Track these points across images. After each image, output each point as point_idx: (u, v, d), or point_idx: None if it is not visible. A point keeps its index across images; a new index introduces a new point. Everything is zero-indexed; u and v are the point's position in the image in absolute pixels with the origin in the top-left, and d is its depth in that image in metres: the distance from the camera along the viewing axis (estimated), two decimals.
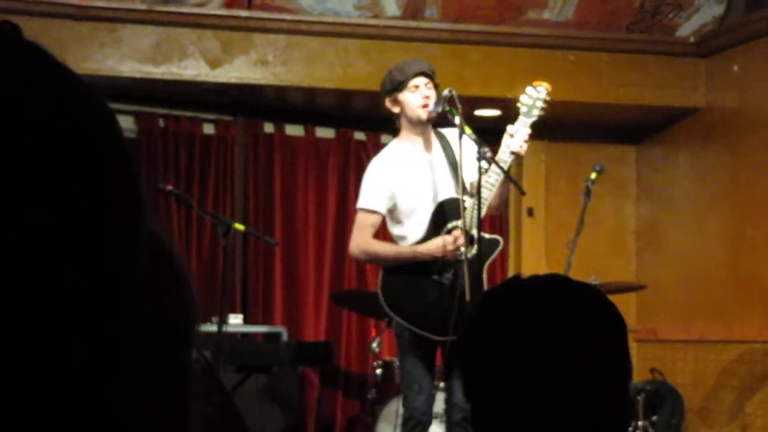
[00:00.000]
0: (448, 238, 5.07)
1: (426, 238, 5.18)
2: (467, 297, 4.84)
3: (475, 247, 5.05)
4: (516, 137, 5.06)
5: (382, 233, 5.45)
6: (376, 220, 5.30)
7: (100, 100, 0.70)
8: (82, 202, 0.66)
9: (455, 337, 4.90)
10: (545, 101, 5.16)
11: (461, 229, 5.02)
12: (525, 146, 5.09)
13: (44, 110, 0.67)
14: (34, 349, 0.64)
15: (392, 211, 5.28)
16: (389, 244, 5.33)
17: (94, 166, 0.68)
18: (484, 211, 5.02)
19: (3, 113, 0.65)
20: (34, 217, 0.64)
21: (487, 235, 5.18)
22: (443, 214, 5.17)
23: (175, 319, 0.73)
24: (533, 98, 5.15)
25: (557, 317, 1.76)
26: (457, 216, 5.08)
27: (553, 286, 1.81)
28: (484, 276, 5.14)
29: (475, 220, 4.98)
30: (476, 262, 5.03)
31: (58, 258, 0.65)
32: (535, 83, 5.22)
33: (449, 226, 5.16)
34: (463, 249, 5.01)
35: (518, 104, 5.16)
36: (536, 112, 5.13)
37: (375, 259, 5.42)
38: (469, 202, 5.02)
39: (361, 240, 5.28)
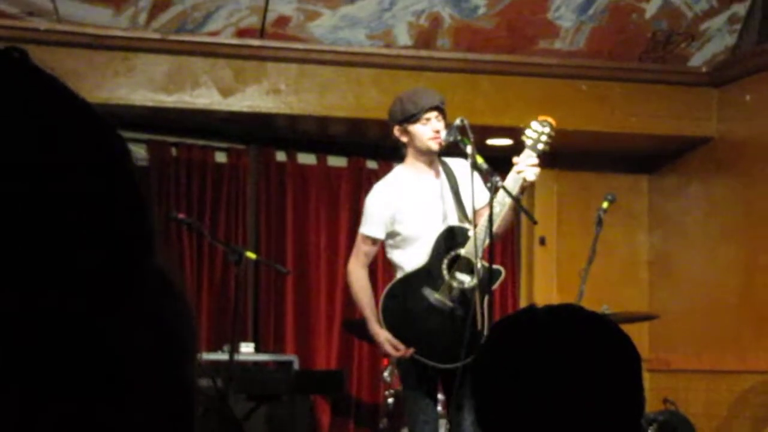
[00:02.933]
0: (399, 348, 5.10)
1: (428, 265, 5.15)
2: (478, 326, 4.84)
3: (476, 277, 5.02)
4: (527, 170, 5.05)
5: (380, 256, 5.51)
6: (371, 248, 5.33)
7: (111, 127, 0.71)
8: (92, 229, 0.67)
9: (460, 366, 4.90)
10: (550, 136, 5.16)
11: (469, 258, 5.01)
12: (537, 170, 5.09)
13: (54, 137, 0.67)
14: (42, 365, 0.65)
15: (392, 236, 5.25)
16: (365, 292, 5.29)
17: (104, 194, 0.68)
18: (489, 240, 5.01)
19: (11, 140, 0.65)
20: (42, 241, 0.65)
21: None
22: (448, 242, 5.15)
23: (176, 334, 0.73)
24: (538, 132, 5.15)
25: (571, 348, 1.75)
26: (462, 245, 5.08)
27: (568, 316, 1.80)
28: (485, 305, 5.08)
29: (479, 249, 4.97)
30: (479, 292, 5.01)
31: (65, 279, 0.65)
32: (540, 117, 5.22)
33: (453, 254, 5.13)
34: (466, 283, 5.02)
35: (523, 138, 5.16)
36: (541, 147, 5.13)
37: (351, 292, 5.44)
38: (473, 231, 5.02)
39: (355, 266, 5.34)
